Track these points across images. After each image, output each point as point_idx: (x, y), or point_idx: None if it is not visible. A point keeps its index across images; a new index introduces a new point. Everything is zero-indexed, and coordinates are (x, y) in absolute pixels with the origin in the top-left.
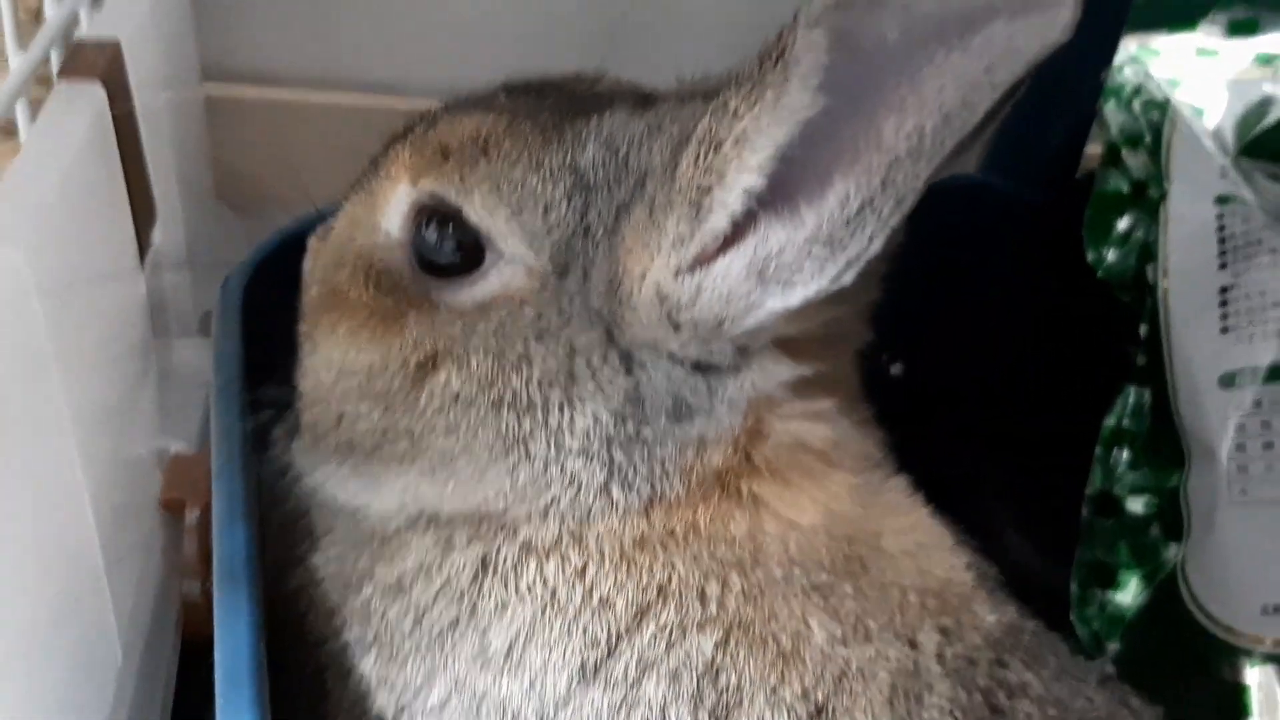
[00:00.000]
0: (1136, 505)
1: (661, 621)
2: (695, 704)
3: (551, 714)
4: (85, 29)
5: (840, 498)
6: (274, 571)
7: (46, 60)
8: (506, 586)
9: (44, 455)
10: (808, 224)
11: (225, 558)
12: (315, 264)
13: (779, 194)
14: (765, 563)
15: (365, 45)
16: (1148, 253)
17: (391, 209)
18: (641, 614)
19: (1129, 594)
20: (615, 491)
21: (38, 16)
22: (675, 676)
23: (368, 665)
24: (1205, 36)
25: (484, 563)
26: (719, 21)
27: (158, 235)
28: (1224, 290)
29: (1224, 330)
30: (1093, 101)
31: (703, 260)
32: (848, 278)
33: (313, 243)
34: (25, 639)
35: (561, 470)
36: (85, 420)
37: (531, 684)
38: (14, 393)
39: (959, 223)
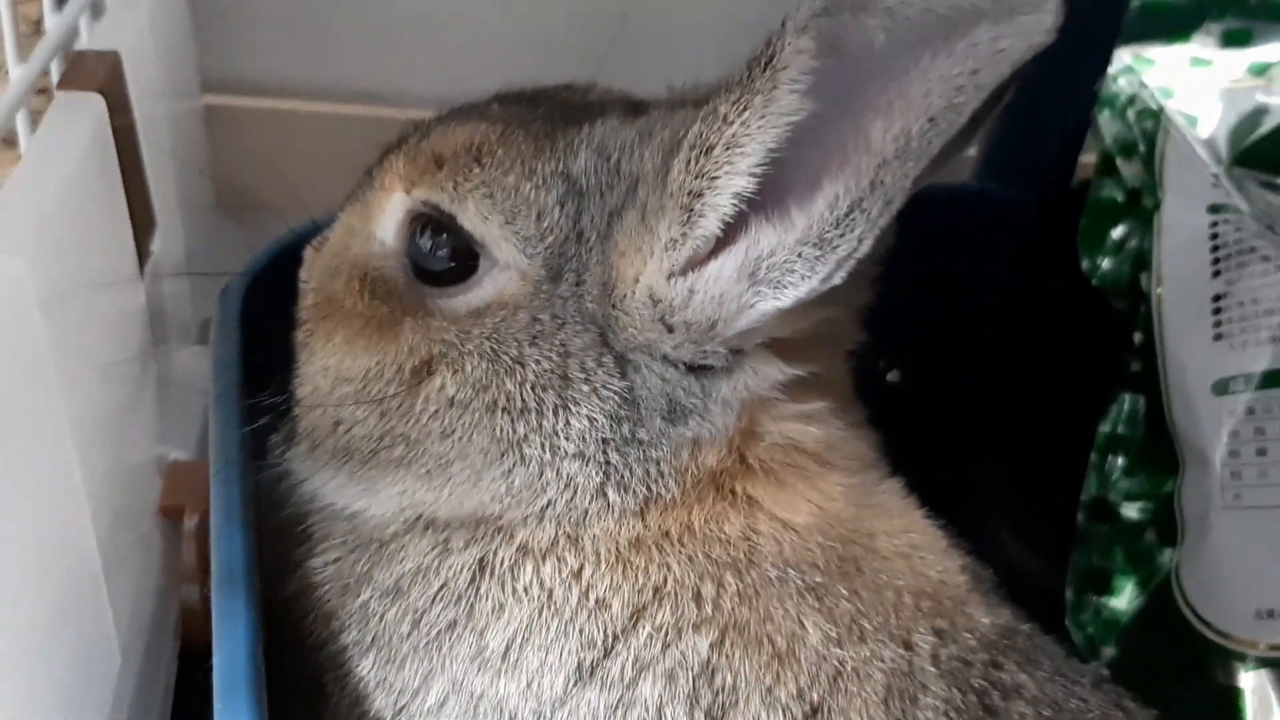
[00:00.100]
0: (1131, 511)
1: (657, 622)
2: (691, 704)
3: (548, 714)
4: (85, 40)
5: (834, 498)
6: (272, 576)
7: (47, 71)
8: (503, 588)
9: (44, 462)
10: (798, 226)
11: (223, 563)
12: (311, 272)
13: (769, 197)
14: (760, 563)
15: (362, 57)
16: (1142, 261)
17: (386, 218)
18: (637, 615)
19: (1124, 599)
20: (611, 493)
21: (38, 28)
22: (671, 677)
23: (366, 668)
24: (1199, 46)
25: (481, 565)
26: (709, 32)
27: (157, 244)
28: (1217, 298)
29: (1217, 338)
30: (1087, 111)
31: (695, 263)
32: (838, 278)
33: (309, 252)
34: (25, 644)
35: (557, 473)
36: (85, 427)
37: (528, 685)
38: (14, 400)
39: (955, 230)
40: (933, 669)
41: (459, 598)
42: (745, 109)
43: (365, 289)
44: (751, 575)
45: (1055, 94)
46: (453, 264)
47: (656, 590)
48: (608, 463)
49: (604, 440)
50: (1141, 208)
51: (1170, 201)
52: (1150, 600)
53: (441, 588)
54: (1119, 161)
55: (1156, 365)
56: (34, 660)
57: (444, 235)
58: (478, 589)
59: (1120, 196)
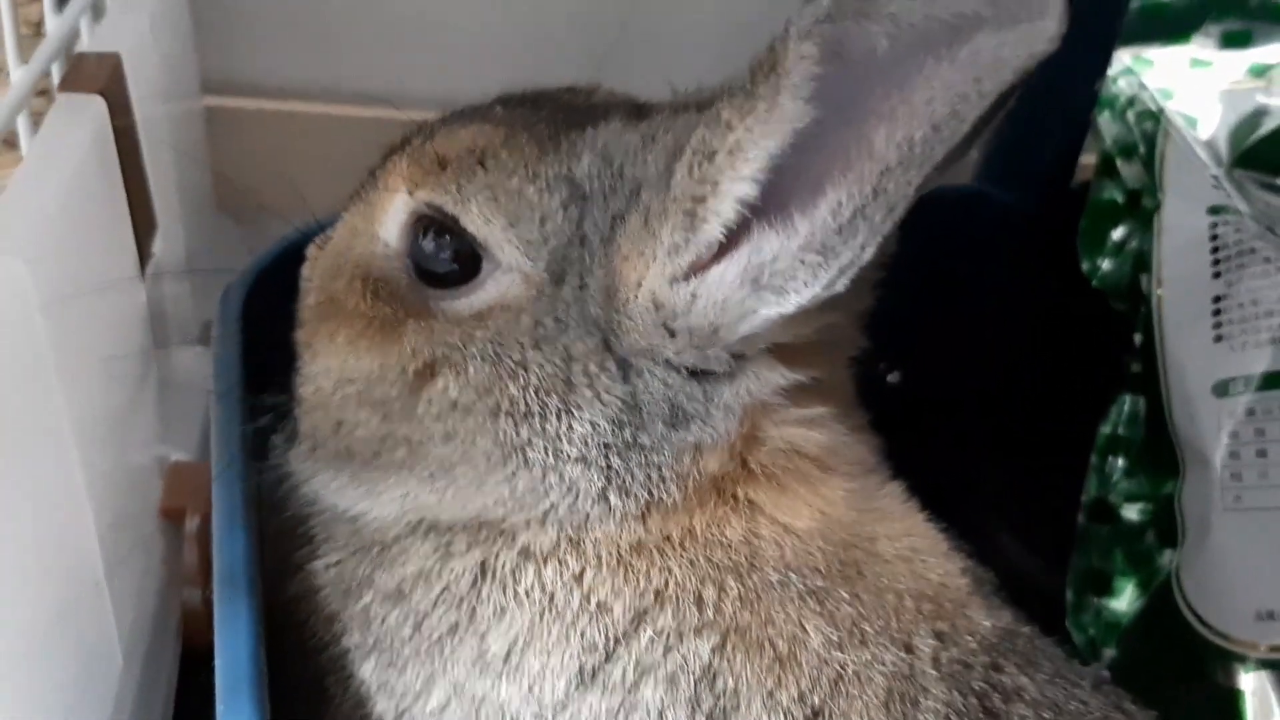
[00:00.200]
0: (1132, 512)
1: (659, 626)
2: (693, 708)
3: (550, 718)
4: (86, 42)
5: (835, 503)
6: (273, 578)
7: (48, 73)
8: (505, 592)
9: (45, 463)
10: (801, 232)
11: (225, 565)
12: (314, 273)
13: (772, 203)
14: (761, 567)
15: (363, 58)
16: (1142, 262)
17: (389, 219)
18: (639, 619)
19: (1124, 601)
20: (612, 498)
21: (39, 30)
22: (673, 681)
23: (367, 671)
24: (1199, 48)
25: (483, 568)
26: (713, 34)
27: (158, 245)
28: (1217, 299)
29: (1217, 339)
30: (1087, 112)
31: (697, 268)
32: (841, 285)
33: (311, 252)
34: (26, 645)
35: (560, 477)
36: (86, 428)
37: (530, 688)
38: (15, 401)
39: (955, 232)
40: (934, 672)
41: (460, 601)
42: (748, 115)
43: (368, 290)
44: (753, 579)
45: (1055, 95)
46: (455, 266)
47: (658, 594)
48: (609, 467)
49: (605, 445)
50: (1141, 209)
51: (1170, 203)
52: (1151, 602)
53: (443, 591)
54: (1119, 163)
55: (1157, 366)
56: (35, 662)
57: (447, 237)
58: (479, 592)
59: (1120, 198)
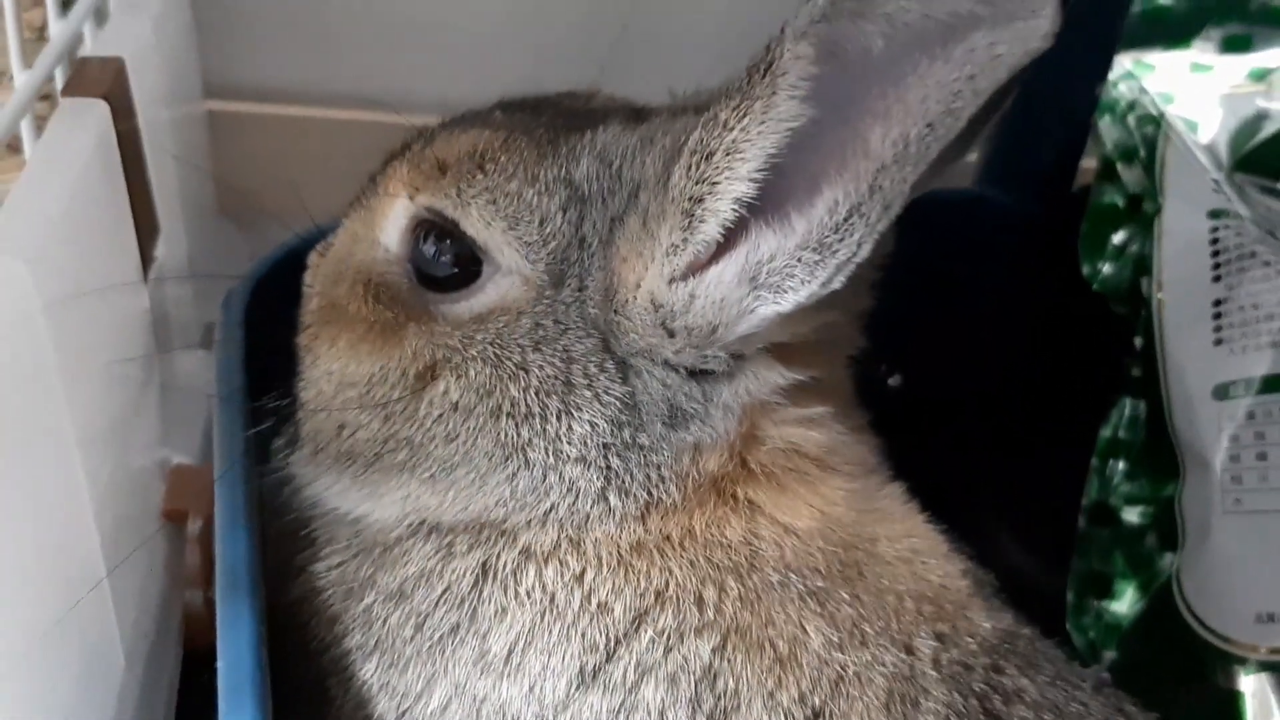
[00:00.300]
0: (1132, 515)
1: (659, 626)
2: (693, 708)
3: (551, 718)
4: (89, 47)
5: (835, 503)
6: (275, 580)
7: (51, 78)
8: (506, 592)
9: (47, 466)
10: (798, 230)
11: (227, 567)
12: (315, 278)
13: (769, 202)
14: (762, 568)
15: (365, 62)
16: (1142, 266)
17: (390, 224)
18: (639, 619)
19: (1125, 603)
20: (612, 498)
21: (42, 34)
22: (673, 681)
23: (369, 672)
24: (1199, 52)
25: (484, 569)
26: (711, 38)
27: (160, 249)
28: (1217, 303)
29: (1217, 342)
30: (1088, 116)
31: (696, 268)
32: (838, 282)
33: (313, 257)
34: (29, 647)
35: (560, 477)
36: (88, 431)
37: (531, 689)
38: (18, 404)
39: (956, 235)
40: (934, 673)
41: (462, 601)
42: (745, 115)
43: (369, 294)
44: (753, 580)
45: (1056, 99)
46: (456, 269)
47: (658, 594)
48: (609, 467)
49: (605, 445)
50: (1142, 213)
51: (1171, 207)
52: (1151, 604)
53: (444, 591)
54: (1119, 167)
55: (1157, 370)
56: (38, 664)
57: (447, 241)
58: (480, 593)
59: (1121, 202)
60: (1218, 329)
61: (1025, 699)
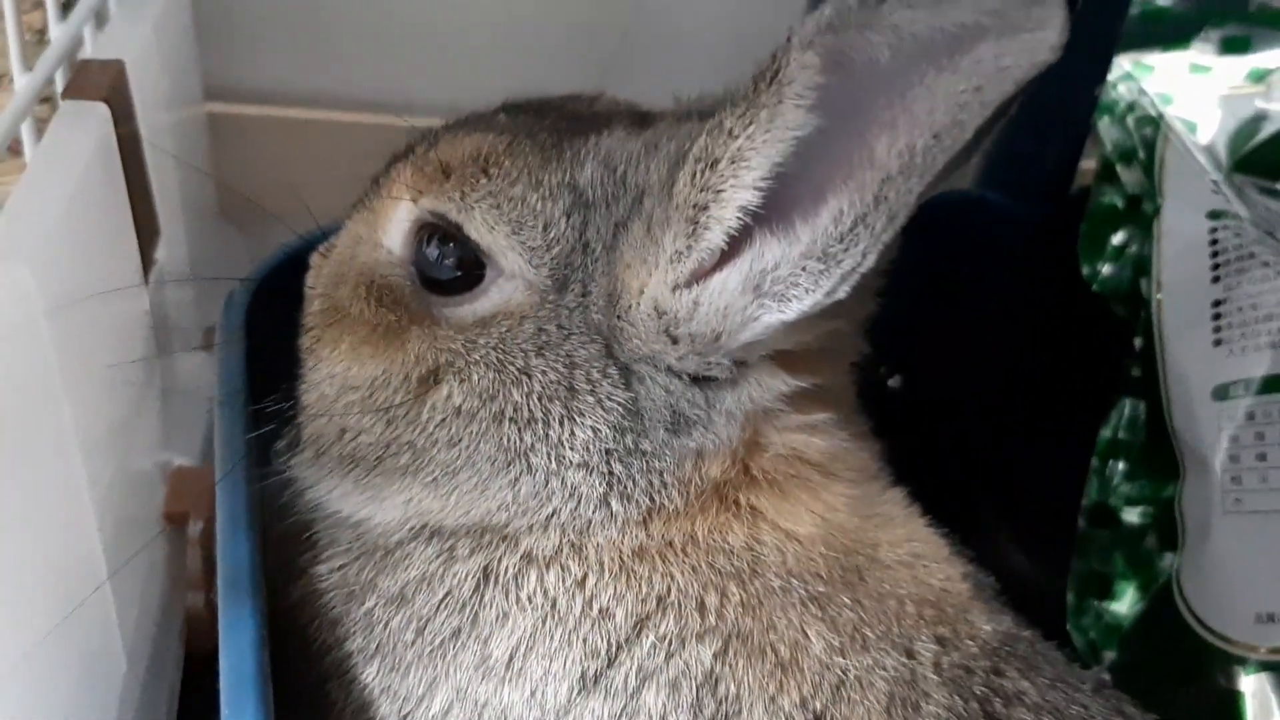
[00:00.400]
0: (1132, 516)
1: (661, 632)
2: (695, 713)
3: None
4: (89, 49)
5: (837, 509)
6: (277, 583)
7: (51, 80)
8: (508, 597)
9: (49, 468)
10: (802, 239)
11: (229, 569)
12: (318, 280)
13: (774, 210)
14: (763, 573)
15: (365, 65)
16: (1142, 266)
17: (393, 226)
18: (641, 624)
19: (1125, 604)
20: (614, 503)
21: (42, 37)
22: (675, 686)
23: (370, 675)
24: (1198, 53)
25: (486, 573)
26: (715, 43)
27: (161, 252)
28: (1217, 304)
29: (1217, 343)
30: (1087, 117)
31: (699, 275)
32: (842, 292)
33: (315, 259)
34: (30, 650)
35: (563, 482)
36: (90, 434)
37: (532, 693)
38: (19, 406)
39: (956, 236)
40: (935, 677)
41: (463, 605)
42: (750, 123)
43: (372, 297)
44: (755, 585)
45: (1056, 101)
46: (459, 273)
47: (660, 600)
48: (611, 473)
49: (607, 450)
50: (1141, 214)
51: (1170, 207)
52: (1151, 605)
53: (446, 595)
54: (1119, 168)
55: (1157, 371)
56: (39, 666)
57: (451, 245)
58: (482, 597)
59: (1120, 203)
60: (1217, 330)
61: (1026, 701)
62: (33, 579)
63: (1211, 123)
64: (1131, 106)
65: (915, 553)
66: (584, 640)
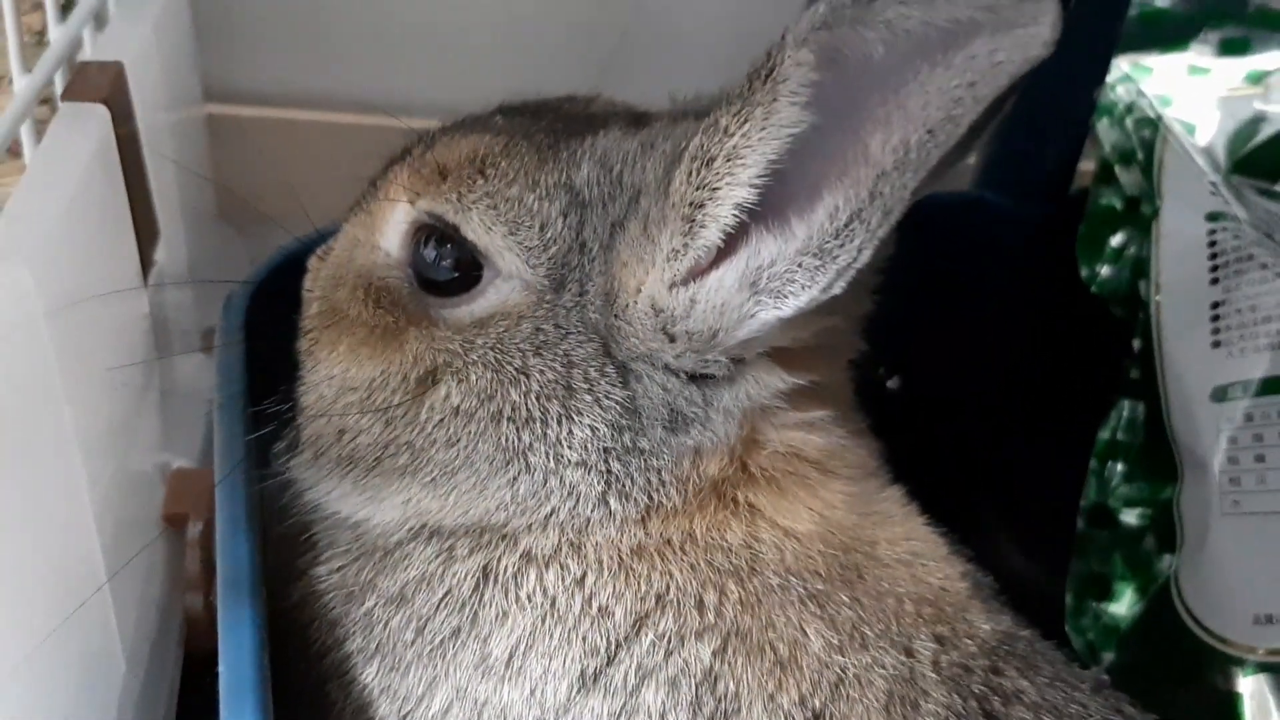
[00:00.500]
0: (1131, 517)
1: (660, 630)
2: (694, 711)
3: None
4: (89, 51)
5: (836, 507)
6: (276, 584)
7: (51, 82)
8: (507, 596)
9: (48, 469)
10: (798, 236)
11: (229, 570)
12: (316, 282)
13: (770, 207)
14: (762, 571)
15: (364, 66)
16: (1140, 268)
17: (390, 228)
18: (640, 622)
19: (1123, 605)
20: (612, 502)
21: (41, 38)
22: (674, 684)
23: (370, 675)
24: (1197, 55)
25: (485, 572)
26: (715, 43)
27: (160, 253)
28: (1215, 305)
29: (1215, 345)
30: (1086, 118)
31: (696, 273)
32: (838, 288)
33: (313, 261)
34: (30, 651)
35: (561, 481)
36: (89, 435)
37: (532, 692)
38: (19, 408)
39: (955, 237)
40: (934, 675)
41: (463, 605)
42: (746, 121)
43: (370, 298)
44: (753, 583)
45: (1054, 102)
46: (456, 274)
47: (659, 598)
48: (609, 471)
49: (605, 449)
50: (1140, 215)
51: (1169, 209)
52: (1149, 606)
53: (445, 595)
54: (1118, 169)
55: (1155, 372)
56: (39, 667)
57: (448, 246)
58: (481, 596)
59: (1119, 204)
60: (1216, 331)
61: (1024, 700)
62: (32, 580)
63: (1210, 124)
64: (1130, 108)
65: (914, 551)
66: (583, 638)
